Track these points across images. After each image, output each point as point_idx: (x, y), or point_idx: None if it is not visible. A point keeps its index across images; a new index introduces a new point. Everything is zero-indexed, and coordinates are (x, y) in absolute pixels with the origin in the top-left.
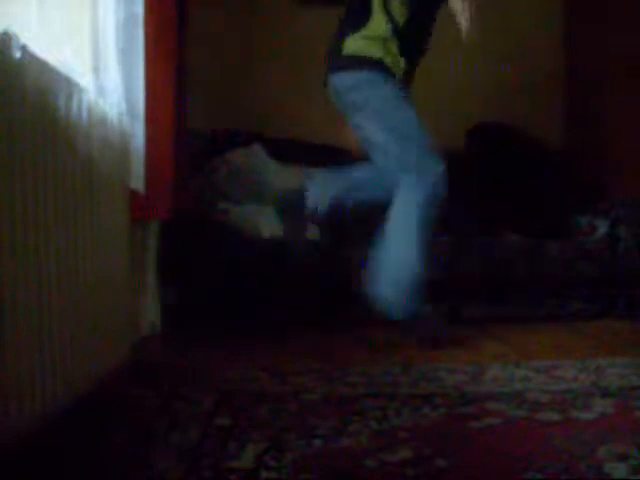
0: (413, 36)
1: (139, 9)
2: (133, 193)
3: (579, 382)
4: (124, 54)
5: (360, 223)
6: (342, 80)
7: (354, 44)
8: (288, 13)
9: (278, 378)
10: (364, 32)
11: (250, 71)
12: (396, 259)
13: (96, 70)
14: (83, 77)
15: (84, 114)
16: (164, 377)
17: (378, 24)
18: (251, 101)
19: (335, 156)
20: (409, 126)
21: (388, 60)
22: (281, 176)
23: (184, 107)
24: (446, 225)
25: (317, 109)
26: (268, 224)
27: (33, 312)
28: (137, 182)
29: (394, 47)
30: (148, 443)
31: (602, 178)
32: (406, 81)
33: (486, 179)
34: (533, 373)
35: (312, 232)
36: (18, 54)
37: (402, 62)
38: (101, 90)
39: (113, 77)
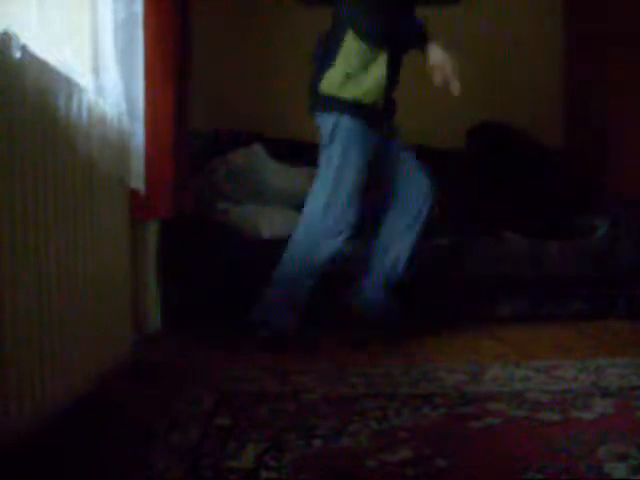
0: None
1: (138, 8)
2: (133, 193)
3: (579, 382)
4: (124, 54)
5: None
6: (318, 120)
7: (328, 82)
8: (288, 13)
9: (278, 378)
10: (337, 65)
11: (250, 71)
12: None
13: (96, 70)
14: (83, 77)
15: (84, 114)
16: (164, 377)
17: (350, 50)
18: (251, 101)
19: None
20: (345, 189)
21: (362, 95)
22: (281, 176)
23: (185, 107)
24: (446, 225)
25: None
26: (268, 224)
27: (33, 312)
28: (137, 182)
29: (374, 68)
30: (148, 443)
31: (602, 178)
32: (387, 108)
33: (486, 179)
34: (533, 373)
35: None
36: (18, 54)
37: (376, 83)
38: (101, 90)
39: (113, 77)
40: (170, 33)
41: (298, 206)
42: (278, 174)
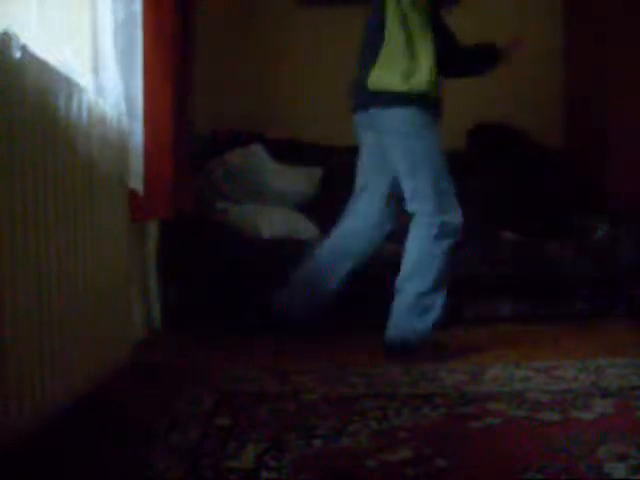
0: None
1: (138, 8)
2: (132, 193)
3: (579, 382)
4: (123, 54)
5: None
6: (372, 118)
7: (378, 78)
8: (289, 13)
9: (278, 378)
10: (384, 60)
11: (250, 71)
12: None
13: (96, 70)
14: (83, 77)
15: (84, 114)
16: (164, 377)
17: (395, 42)
18: (251, 101)
19: (334, 156)
20: (441, 175)
21: (414, 86)
22: (279, 176)
23: (186, 106)
24: None
25: (317, 109)
26: (268, 224)
27: (33, 312)
28: (136, 182)
29: (420, 61)
30: (148, 443)
31: (602, 178)
32: (439, 96)
33: (486, 179)
34: (533, 373)
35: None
36: (18, 54)
37: (430, 74)
38: (100, 90)
39: (112, 77)
40: (170, 33)
41: (298, 206)
42: (277, 174)
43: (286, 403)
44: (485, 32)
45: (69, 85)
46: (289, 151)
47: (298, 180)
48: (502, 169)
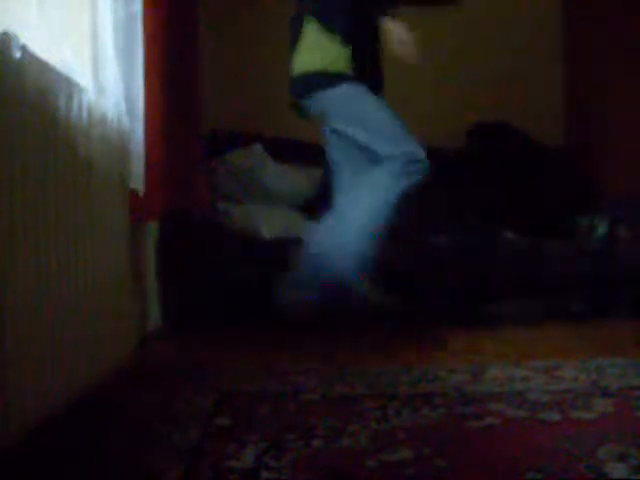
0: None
1: (138, 7)
2: (133, 193)
3: (579, 382)
4: (123, 54)
5: None
6: (303, 103)
7: (299, 62)
8: (289, 13)
9: (278, 378)
10: (303, 41)
11: (250, 71)
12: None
13: (96, 70)
14: (83, 77)
15: (84, 114)
16: (164, 377)
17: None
18: (251, 101)
19: None
20: (377, 119)
21: (328, 62)
22: (279, 176)
23: (190, 106)
24: (446, 225)
25: None
26: (268, 224)
27: (33, 312)
28: (136, 182)
29: (332, 42)
30: (148, 443)
31: (602, 177)
32: (363, 70)
33: (486, 179)
34: (533, 373)
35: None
36: (18, 54)
37: (344, 53)
38: (101, 90)
39: (112, 77)
40: (170, 32)
41: (298, 206)
42: (277, 174)
43: (286, 403)
44: (485, 32)
45: (69, 85)
46: (289, 151)
47: (298, 180)
48: (502, 169)
